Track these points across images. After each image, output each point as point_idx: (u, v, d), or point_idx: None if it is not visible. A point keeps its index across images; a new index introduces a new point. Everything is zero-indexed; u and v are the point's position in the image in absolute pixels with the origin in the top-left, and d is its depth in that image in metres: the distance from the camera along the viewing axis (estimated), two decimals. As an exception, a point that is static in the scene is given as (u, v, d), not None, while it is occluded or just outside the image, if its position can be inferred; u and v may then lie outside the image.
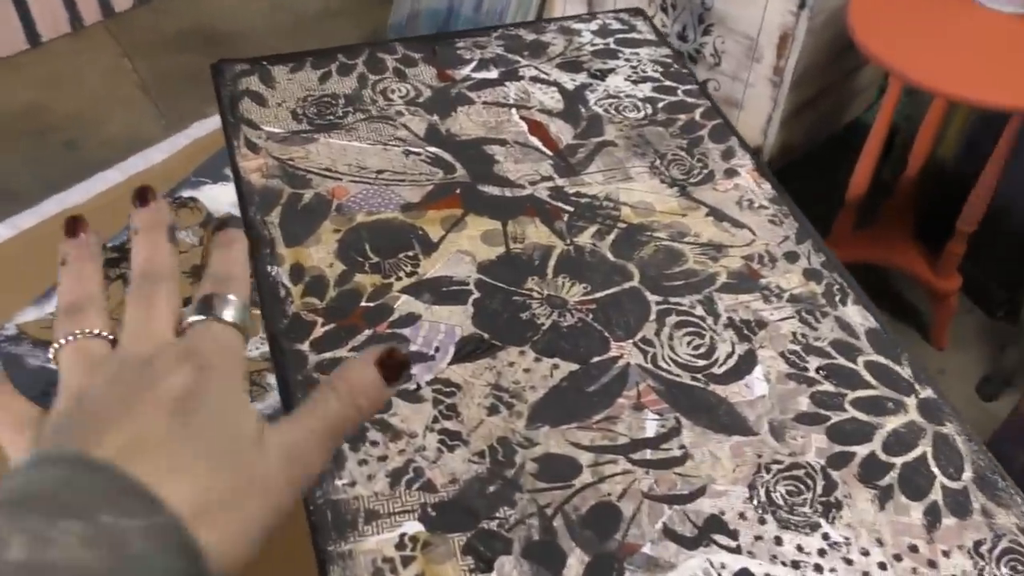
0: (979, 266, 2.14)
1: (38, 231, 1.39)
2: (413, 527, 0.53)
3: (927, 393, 0.60)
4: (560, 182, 0.73)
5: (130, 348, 0.38)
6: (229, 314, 0.39)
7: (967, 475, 0.56)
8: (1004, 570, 0.52)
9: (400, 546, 0.52)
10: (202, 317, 0.39)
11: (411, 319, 0.63)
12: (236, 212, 1.47)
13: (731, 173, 0.75)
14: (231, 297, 0.40)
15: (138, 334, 0.39)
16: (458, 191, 0.72)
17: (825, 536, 0.53)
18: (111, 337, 0.39)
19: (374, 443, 0.56)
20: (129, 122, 2.41)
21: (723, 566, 0.52)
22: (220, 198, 1.48)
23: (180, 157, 1.53)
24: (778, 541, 0.53)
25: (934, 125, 1.87)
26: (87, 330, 0.40)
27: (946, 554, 0.53)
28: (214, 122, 1.59)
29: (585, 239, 0.69)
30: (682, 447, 0.57)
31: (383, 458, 0.56)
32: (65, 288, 0.42)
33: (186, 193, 1.48)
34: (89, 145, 2.34)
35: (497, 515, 0.53)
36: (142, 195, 0.44)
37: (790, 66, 1.79)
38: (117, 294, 1.35)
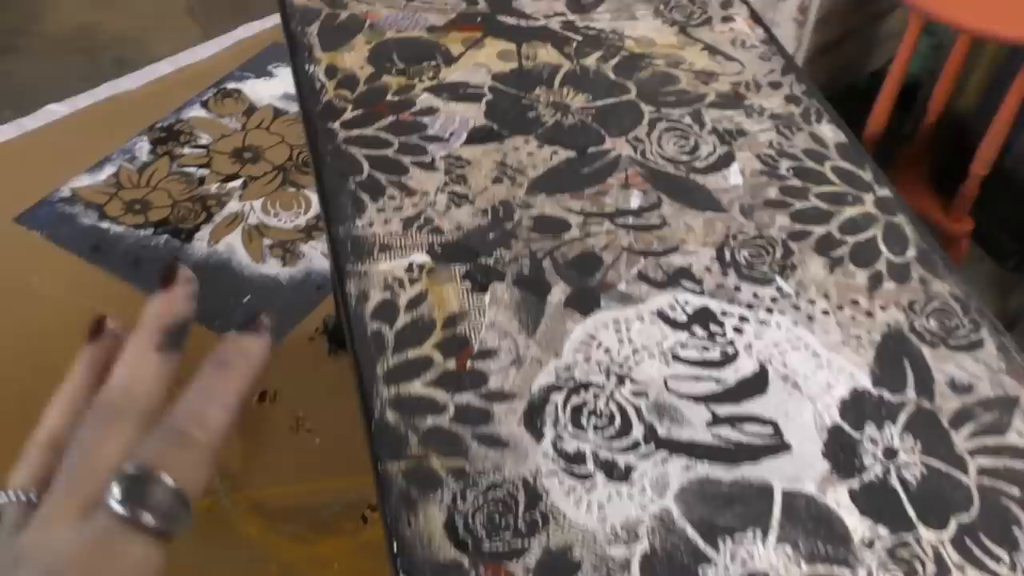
0: (992, 217, 2.19)
1: (93, 110, 1.49)
2: (420, 258, 0.61)
3: (884, 192, 0.68)
4: (572, 17, 0.81)
5: (25, 533, 0.30)
6: (156, 515, 0.32)
7: (911, 253, 0.64)
8: (932, 322, 0.60)
9: (408, 270, 0.61)
10: (117, 508, 0.31)
11: (430, 111, 0.71)
12: (278, 104, 1.56)
13: (727, 19, 0.83)
14: (168, 483, 0.33)
15: (55, 505, 0.32)
16: (479, 19, 0.80)
17: (778, 288, 0.61)
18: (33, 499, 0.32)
19: (391, 197, 0.65)
20: (176, 43, 2.51)
21: (687, 302, 0.60)
22: (262, 91, 1.57)
23: (226, 55, 1.63)
24: (737, 288, 0.61)
25: (954, 71, 1.93)
26: (8, 490, 0.34)
27: (883, 308, 0.61)
28: (260, 25, 1.69)
29: (590, 61, 0.77)
30: (661, 217, 0.65)
31: (398, 208, 0.64)
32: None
33: (231, 85, 1.57)
34: (136, 63, 2.45)
35: (494, 255, 0.62)
36: (167, 276, 0.35)
37: (815, 5, 1.85)
38: (161, 170, 1.45)
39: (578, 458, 0.52)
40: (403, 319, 0.58)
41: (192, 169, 1.48)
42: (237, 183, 1.46)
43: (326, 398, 1.20)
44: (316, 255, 1.35)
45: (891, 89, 1.90)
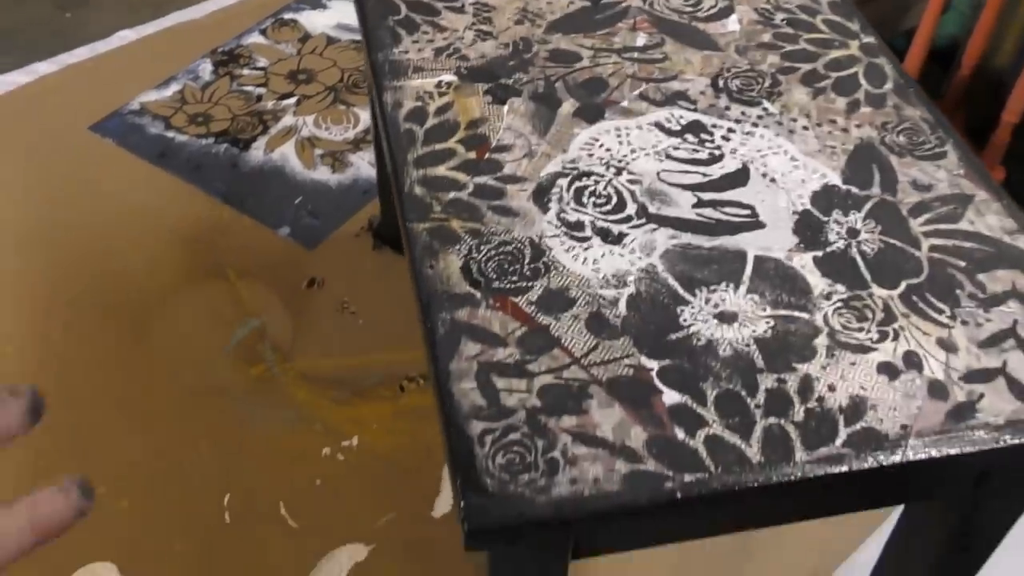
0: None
1: (160, 35, 1.60)
2: (448, 77, 0.70)
3: (869, 39, 0.76)
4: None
5: None
6: None
7: (888, 86, 0.72)
8: (901, 138, 0.67)
9: (438, 86, 0.70)
10: None
11: (464, -32, 0.80)
12: (332, 33, 1.65)
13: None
14: None
15: None
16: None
17: (765, 109, 0.69)
18: None
19: (425, 32, 0.74)
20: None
21: (681, 116, 0.68)
22: (317, 21, 1.68)
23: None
24: (727, 108, 0.69)
25: (987, 26, 1.96)
26: None
27: (858, 126, 0.68)
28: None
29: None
30: (663, 53, 0.73)
31: (430, 41, 0.73)
32: None
33: (288, 15, 1.67)
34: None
35: (513, 77, 0.71)
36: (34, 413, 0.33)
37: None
38: (223, 88, 1.56)
39: (578, 226, 0.60)
40: (432, 121, 0.67)
41: (251, 88, 1.59)
42: (292, 100, 1.57)
43: (369, 285, 1.30)
44: (363, 164, 1.45)
45: (921, 43, 1.95)
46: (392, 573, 0.98)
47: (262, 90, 1.55)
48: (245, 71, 1.57)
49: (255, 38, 1.62)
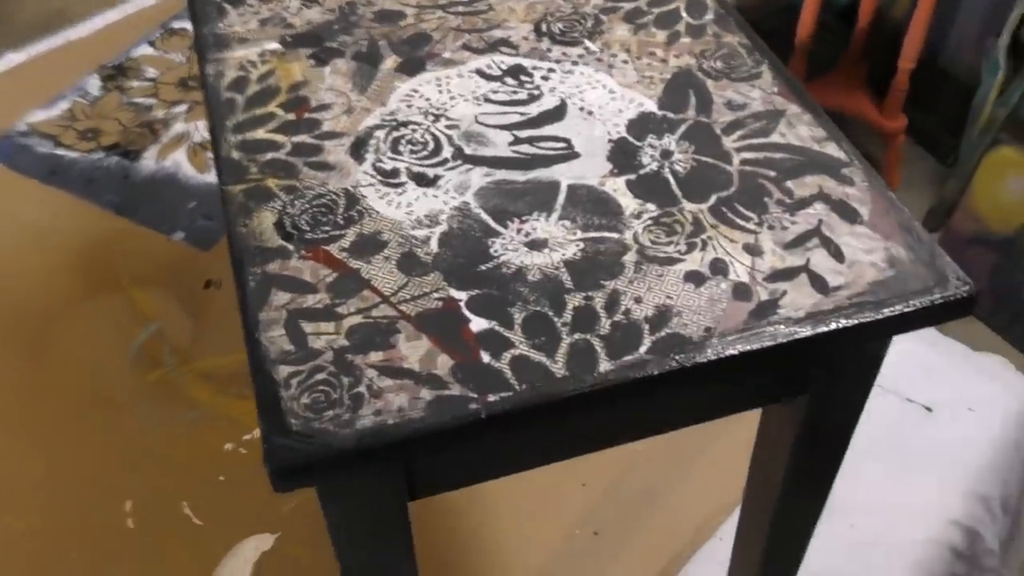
0: (928, 114, 2.27)
1: (48, 55, 1.59)
2: (272, 46, 0.71)
3: (691, -25, 0.77)
4: None
5: None
6: None
7: (708, 16, 0.73)
8: (718, 63, 0.69)
9: (261, 55, 0.70)
10: None
11: (291, -59, 0.80)
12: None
13: None
14: None
15: None
16: None
17: (586, 48, 0.70)
18: None
19: (250, 5, 0.74)
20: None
21: (502, 62, 0.69)
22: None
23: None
24: (548, 50, 0.70)
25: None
26: None
27: (676, 56, 0.69)
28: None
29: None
30: (488, 4, 0.74)
31: (256, 12, 0.73)
32: None
33: (176, 24, 1.66)
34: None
35: (337, 40, 0.71)
36: None
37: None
38: (112, 102, 1.55)
39: (393, 173, 0.61)
40: (253, 88, 0.67)
41: (140, 99, 1.58)
42: (182, 108, 1.56)
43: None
44: (256, 163, 1.45)
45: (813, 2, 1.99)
46: (299, 559, 0.98)
47: (152, 100, 1.54)
48: (134, 83, 1.56)
49: (144, 50, 1.62)
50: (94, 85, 1.57)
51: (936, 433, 1.01)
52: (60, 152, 1.43)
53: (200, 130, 1.45)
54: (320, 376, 0.50)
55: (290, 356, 0.50)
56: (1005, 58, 1.81)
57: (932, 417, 1.03)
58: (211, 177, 1.39)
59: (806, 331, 0.51)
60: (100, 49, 1.67)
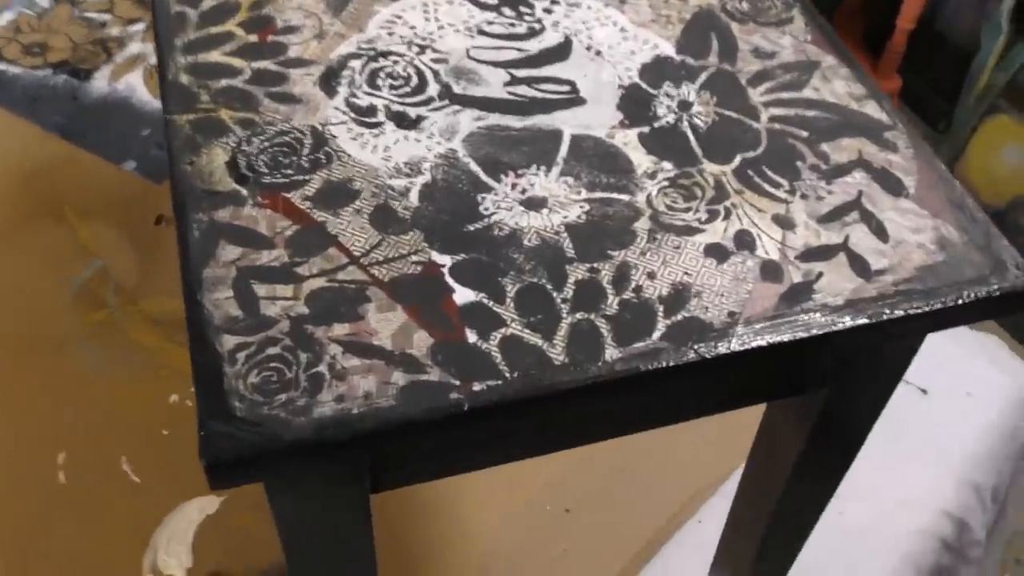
0: (922, 78, 2.19)
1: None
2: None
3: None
4: None
5: None
6: None
7: (732, -50, 0.64)
8: (744, 4, 0.60)
9: (219, -36, 0.60)
10: None
11: None
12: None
13: None
14: None
15: None
16: None
17: (594, -22, 0.61)
18: None
19: (210, -94, 0.64)
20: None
21: (498, -11, 0.60)
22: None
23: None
24: (551, -22, 0.61)
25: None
26: None
27: (697, -7, 0.60)
28: None
29: None
30: (483, -78, 0.64)
31: (216, -85, 0.63)
32: None
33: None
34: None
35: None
36: None
37: None
38: (62, 15, 1.43)
39: (369, 111, 0.52)
40: (208, 2, 0.57)
41: (94, 15, 1.46)
42: (139, 27, 1.44)
43: (222, 219, 1.20)
44: (217, 90, 1.34)
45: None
46: (246, 524, 0.90)
47: (107, 16, 1.42)
48: (88, -4, 1.44)
49: (99, -39, 1.49)
50: (43, -4, 1.44)
51: (932, 417, 0.95)
52: (2, 67, 1.31)
53: (157, 51, 1.34)
54: (273, 350, 0.41)
55: (238, 324, 0.42)
56: (1008, 21, 1.73)
57: (928, 400, 0.97)
58: (167, 103, 1.28)
59: (845, 322, 0.44)
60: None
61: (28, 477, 0.94)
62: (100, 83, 1.34)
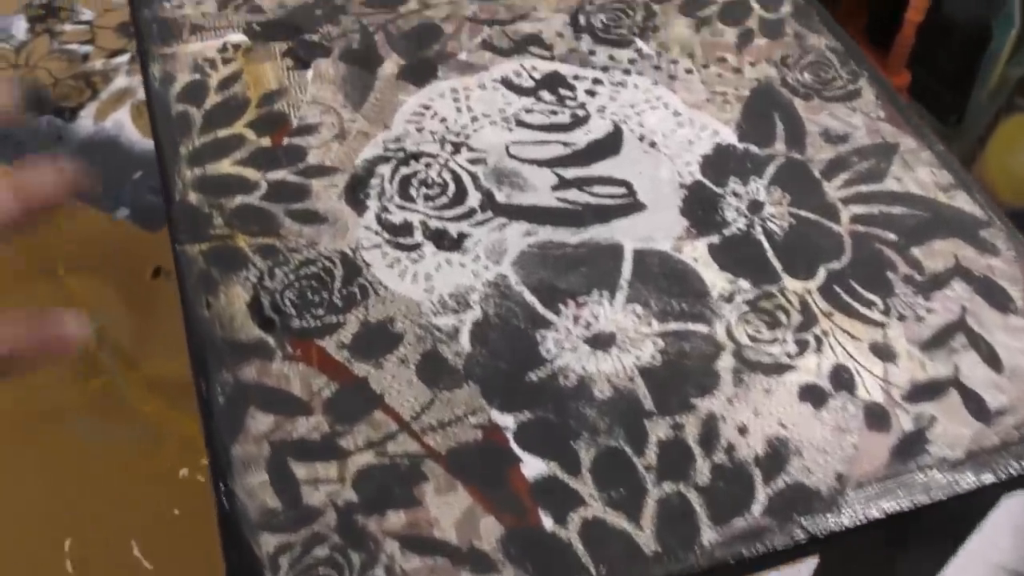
0: (931, 71, 2.12)
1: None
2: (236, 37, 0.54)
3: (759, -49, 0.61)
4: None
5: None
6: None
7: (785, 9, 0.58)
8: (806, 75, 0.54)
9: (222, 50, 0.53)
10: None
11: None
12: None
13: None
14: None
15: None
16: None
17: (638, 50, 0.55)
18: None
19: (207, -20, 0.57)
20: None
21: (534, 68, 0.53)
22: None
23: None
24: (591, 53, 0.54)
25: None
26: None
27: (752, 64, 0.54)
28: None
29: None
30: (510, -14, 0.58)
31: (214, -10, 0.57)
32: None
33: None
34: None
35: (320, 31, 0.55)
36: None
37: None
38: (41, 48, 1.36)
39: (405, 229, 0.46)
40: (213, 99, 0.51)
41: (75, 46, 1.38)
42: (124, 58, 1.37)
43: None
44: (208, 124, 1.27)
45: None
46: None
47: (88, 48, 1.34)
48: (67, 26, 1.36)
49: (75, -15, 1.41)
50: (19, 27, 1.36)
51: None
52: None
53: (141, 83, 1.27)
54: (321, 551, 0.35)
55: (277, 518, 0.36)
56: (1021, 12, 1.67)
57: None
58: (155, 141, 1.21)
59: (968, 480, 0.38)
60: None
61: (33, 567, 0.88)
62: (86, 122, 1.26)
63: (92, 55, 1.37)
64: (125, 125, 1.27)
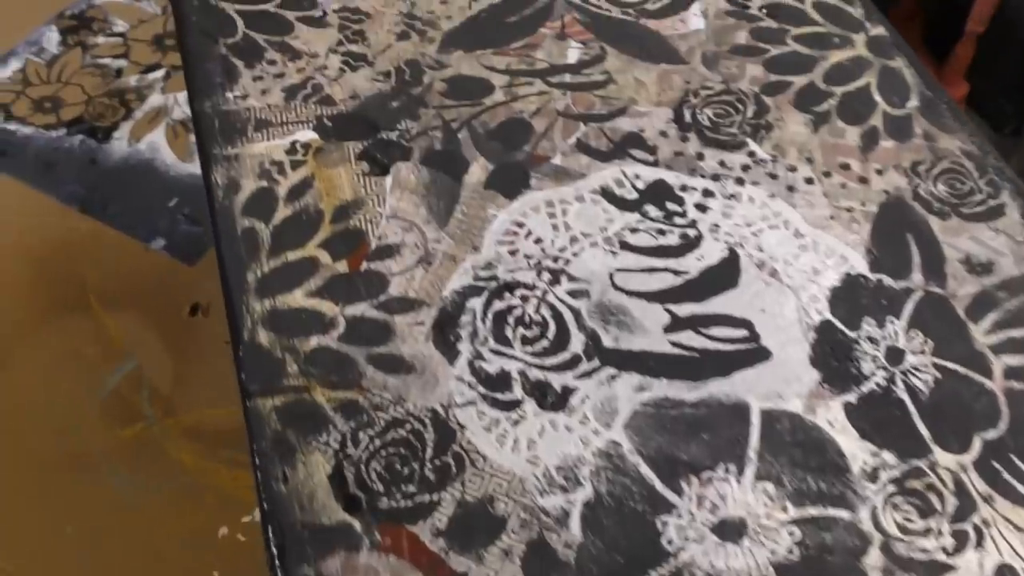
0: (988, 80, 2.04)
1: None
2: (306, 135, 0.49)
3: (878, 31, 0.55)
4: None
5: None
6: None
7: (912, 103, 0.52)
8: (940, 187, 0.48)
9: (291, 151, 0.48)
10: None
11: (323, -45, 0.57)
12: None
13: None
14: None
15: None
16: None
17: (751, 154, 0.49)
18: None
19: (271, 62, 0.52)
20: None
21: (637, 176, 0.48)
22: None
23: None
24: (699, 157, 0.49)
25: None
26: None
27: (880, 172, 0.48)
28: None
29: None
30: (605, 72, 0.52)
31: (280, 75, 0.51)
32: None
33: (149, -38, 1.41)
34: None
35: (398, 127, 0.49)
36: None
37: None
38: (73, 62, 1.31)
39: (501, 382, 0.40)
40: (282, 213, 0.45)
41: (108, 60, 1.33)
42: (159, 74, 1.31)
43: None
44: (247, 148, 1.22)
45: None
46: None
47: (122, 62, 1.30)
48: (100, 38, 1.31)
49: (110, -6, 1.36)
50: (52, 39, 1.32)
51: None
52: (12, 127, 1.19)
53: (181, 104, 1.22)
54: None
55: None
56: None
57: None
58: (195, 167, 1.16)
59: None
60: (56, -9, 1.42)
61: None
62: (120, 143, 1.22)
63: (126, 70, 1.32)
64: (160, 147, 1.23)
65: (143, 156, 1.19)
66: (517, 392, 0.40)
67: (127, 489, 0.93)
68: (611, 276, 0.44)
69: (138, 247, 1.11)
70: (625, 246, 0.45)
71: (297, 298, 0.43)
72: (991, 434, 0.40)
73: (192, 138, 1.20)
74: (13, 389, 0.98)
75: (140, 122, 1.23)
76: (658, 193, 0.47)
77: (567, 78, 0.52)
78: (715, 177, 0.48)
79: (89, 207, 1.12)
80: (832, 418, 0.40)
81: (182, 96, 1.24)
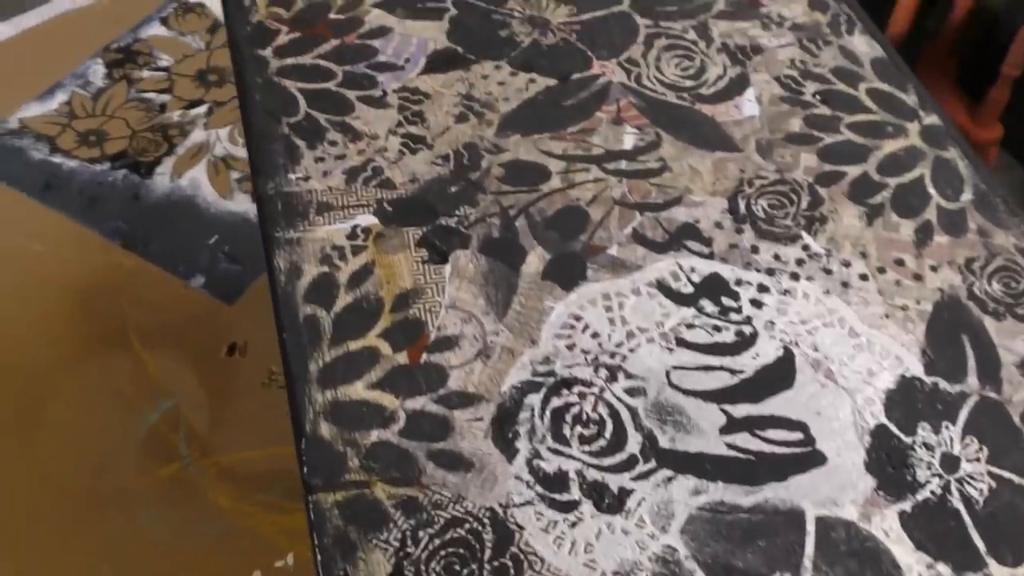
0: (1016, 117, 2.04)
1: (41, 30, 1.36)
2: (367, 220, 0.50)
3: (932, 119, 0.55)
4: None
5: None
6: None
7: (966, 197, 0.52)
8: (996, 286, 0.48)
9: (351, 236, 0.49)
10: None
11: (382, 31, 0.58)
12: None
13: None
14: None
15: None
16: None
17: (805, 247, 0.49)
18: None
19: (332, 143, 0.53)
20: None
21: (693, 269, 0.48)
22: (226, 3, 1.42)
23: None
24: (754, 250, 0.49)
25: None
26: None
27: (934, 269, 0.49)
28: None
29: (575, -35, 0.63)
30: (660, 159, 0.53)
31: (341, 156, 0.52)
32: None
33: (194, -1, 1.43)
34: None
35: (457, 213, 0.50)
36: None
37: None
38: (118, 96, 1.33)
39: (559, 482, 0.41)
40: (343, 300, 0.46)
41: (152, 95, 1.35)
42: (202, 109, 1.33)
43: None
44: (287, 186, 1.23)
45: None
46: None
47: (166, 97, 1.32)
48: (145, 72, 1.33)
49: (155, 29, 1.38)
50: (97, 72, 1.34)
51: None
52: (57, 160, 1.21)
53: (223, 141, 1.24)
54: None
55: None
56: None
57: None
58: (236, 204, 1.18)
59: None
60: (104, 25, 1.44)
61: None
62: (162, 179, 1.23)
63: (169, 105, 1.34)
64: (202, 184, 1.24)
65: (185, 192, 1.21)
66: (575, 493, 0.41)
67: (163, 529, 0.94)
68: (667, 374, 0.45)
69: (178, 284, 1.12)
70: (681, 342, 0.46)
71: (358, 390, 0.44)
72: (1047, 549, 0.40)
73: (233, 175, 1.22)
74: (52, 424, 0.99)
75: (182, 158, 1.25)
76: (714, 287, 0.48)
77: (623, 165, 0.52)
78: (770, 271, 0.48)
79: (131, 243, 1.13)
80: (887, 527, 0.40)
81: (224, 132, 1.26)
